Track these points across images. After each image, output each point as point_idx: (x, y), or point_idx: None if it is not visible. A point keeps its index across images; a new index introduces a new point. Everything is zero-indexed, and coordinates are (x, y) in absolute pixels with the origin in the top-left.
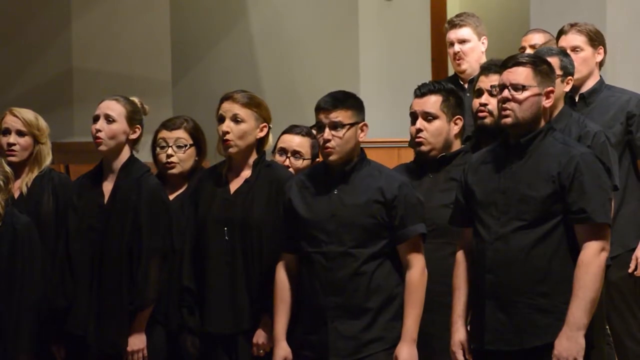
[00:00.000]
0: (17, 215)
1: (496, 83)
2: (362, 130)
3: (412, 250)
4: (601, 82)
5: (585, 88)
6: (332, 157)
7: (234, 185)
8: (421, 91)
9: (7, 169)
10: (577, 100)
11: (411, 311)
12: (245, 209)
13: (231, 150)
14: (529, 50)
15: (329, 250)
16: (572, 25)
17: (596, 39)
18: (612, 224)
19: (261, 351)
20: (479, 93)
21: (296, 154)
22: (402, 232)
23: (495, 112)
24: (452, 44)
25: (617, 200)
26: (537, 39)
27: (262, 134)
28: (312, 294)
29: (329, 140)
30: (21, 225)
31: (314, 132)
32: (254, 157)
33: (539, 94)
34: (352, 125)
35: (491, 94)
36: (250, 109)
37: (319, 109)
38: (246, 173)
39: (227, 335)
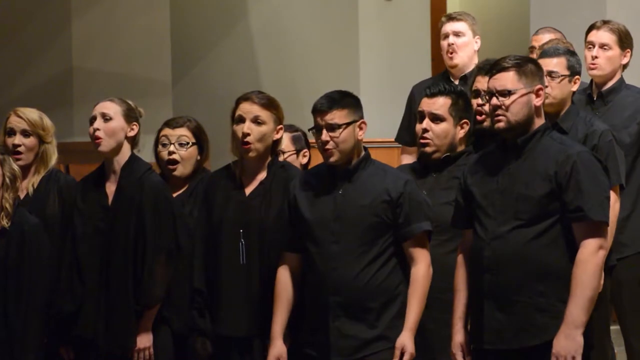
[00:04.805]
0: (26, 216)
1: None
2: (360, 128)
3: (417, 247)
4: (621, 81)
5: (606, 87)
6: (332, 159)
7: (249, 188)
8: (431, 91)
9: (15, 167)
10: (595, 98)
11: (415, 305)
12: (262, 211)
13: (251, 154)
14: (538, 50)
15: (333, 250)
16: (605, 22)
17: (626, 41)
18: (625, 224)
19: None
20: (477, 94)
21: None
22: (407, 230)
23: None
24: (446, 36)
25: (630, 202)
26: (546, 39)
27: (278, 136)
28: (316, 293)
29: (327, 142)
30: (29, 226)
31: (313, 134)
32: (268, 158)
33: (527, 94)
34: (348, 124)
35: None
36: (269, 111)
37: (315, 111)
38: (261, 175)
39: (242, 338)
